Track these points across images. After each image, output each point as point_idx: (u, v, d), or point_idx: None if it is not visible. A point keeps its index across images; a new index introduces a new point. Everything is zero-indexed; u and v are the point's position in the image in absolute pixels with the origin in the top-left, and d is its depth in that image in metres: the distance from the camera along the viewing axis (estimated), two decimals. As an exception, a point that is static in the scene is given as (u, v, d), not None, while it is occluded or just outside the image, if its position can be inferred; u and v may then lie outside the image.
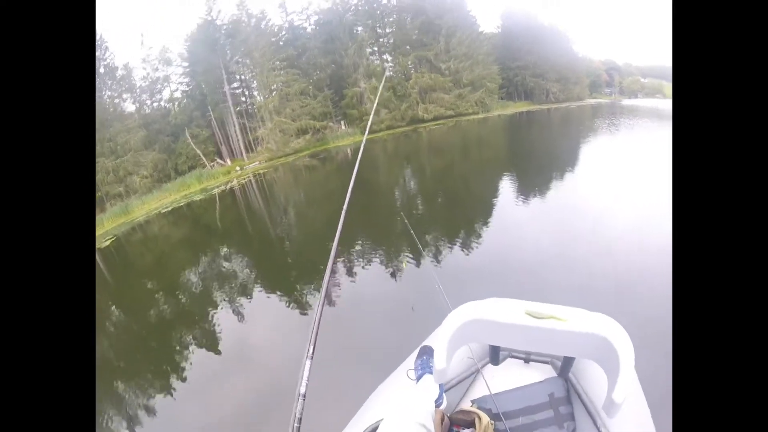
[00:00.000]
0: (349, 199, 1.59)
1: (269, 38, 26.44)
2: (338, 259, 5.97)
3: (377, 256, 5.99)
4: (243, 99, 27.71)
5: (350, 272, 5.55)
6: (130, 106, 25.10)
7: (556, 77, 35.02)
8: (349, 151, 21.96)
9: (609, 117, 22.36)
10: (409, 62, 28.34)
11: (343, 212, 1.53)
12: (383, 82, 23.11)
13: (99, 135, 21.35)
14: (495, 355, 1.50)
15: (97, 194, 20.92)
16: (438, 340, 1.12)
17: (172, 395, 3.77)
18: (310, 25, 29.09)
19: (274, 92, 25.60)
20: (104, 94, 22.94)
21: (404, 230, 6.35)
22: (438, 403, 1.35)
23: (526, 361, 1.64)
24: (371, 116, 2.84)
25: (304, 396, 1.06)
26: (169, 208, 17.13)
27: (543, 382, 1.50)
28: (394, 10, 28.83)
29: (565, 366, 1.44)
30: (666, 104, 31.65)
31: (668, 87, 47.96)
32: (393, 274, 5.23)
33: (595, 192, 7.52)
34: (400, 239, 6.38)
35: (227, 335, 4.76)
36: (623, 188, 7.32)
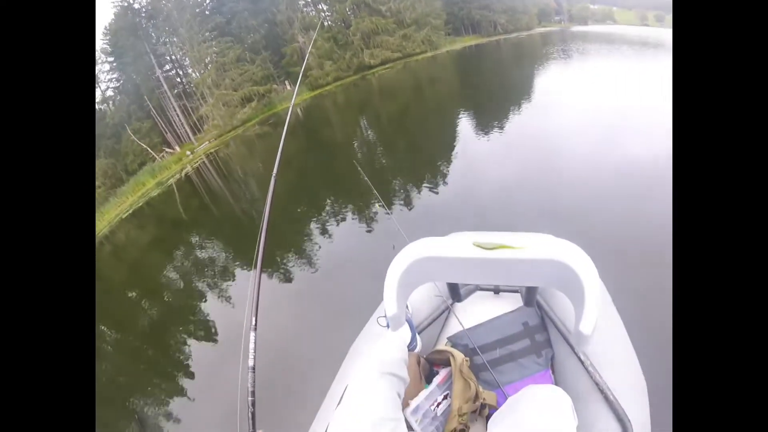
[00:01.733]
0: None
1: (193, 10, 24.57)
2: (311, 220, 5.97)
3: (347, 211, 5.98)
4: (178, 80, 26.06)
5: (324, 232, 5.55)
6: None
7: (502, 8, 34.27)
8: (299, 110, 21.07)
9: (560, 44, 22.04)
10: (347, 9, 26.91)
11: (274, 172, 1.48)
12: (317, 29, 21.82)
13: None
14: (455, 292, 1.43)
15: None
16: (385, 286, 1.04)
17: (187, 396, 3.75)
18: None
19: (209, 65, 24.12)
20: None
21: (370, 181, 6.29)
22: (412, 346, 1.31)
23: (496, 292, 1.61)
24: (303, 66, 2.68)
25: (254, 368, 1.03)
26: (130, 212, 16.42)
27: (515, 311, 1.49)
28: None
29: (529, 295, 1.36)
30: (616, 29, 31.50)
31: (618, 12, 47.88)
32: (368, 227, 5.27)
33: (553, 120, 7.50)
34: (368, 191, 6.37)
35: (220, 321, 4.75)
36: (581, 114, 7.34)
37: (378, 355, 1.04)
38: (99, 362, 5.06)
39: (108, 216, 17.64)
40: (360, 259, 4.55)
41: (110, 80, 25.19)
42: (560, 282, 0.93)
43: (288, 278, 4.77)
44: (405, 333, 1.30)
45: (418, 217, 4.97)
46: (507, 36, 32.95)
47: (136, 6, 24.25)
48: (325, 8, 28.06)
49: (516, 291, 1.59)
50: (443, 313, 1.61)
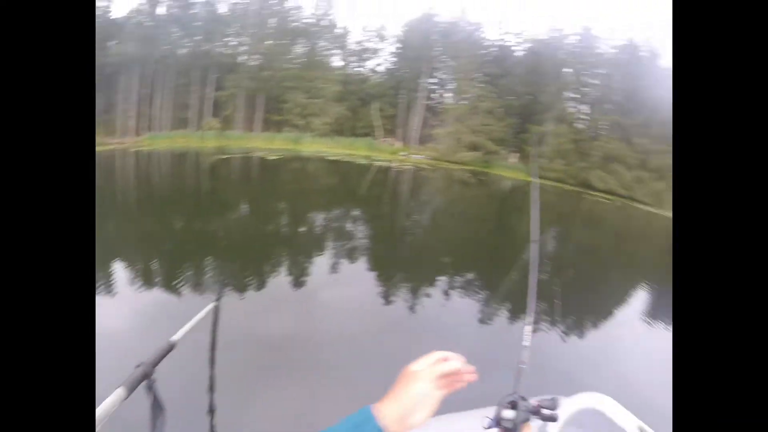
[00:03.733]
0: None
1: (479, 50, 27.39)
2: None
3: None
4: (433, 96, 29.37)
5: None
6: (337, 62, 29.76)
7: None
8: (509, 184, 21.37)
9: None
10: (604, 123, 26.27)
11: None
12: (564, 126, 20.87)
13: (309, 74, 25.89)
14: None
15: (279, 117, 25.43)
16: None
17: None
18: (521, 50, 29.06)
19: (464, 101, 26.45)
20: (318, 43, 28.55)
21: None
22: None
23: None
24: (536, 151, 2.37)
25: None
26: (334, 158, 19.59)
27: None
28: (606, 64, 26.31)
29: None
30: None
31: None
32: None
33: None
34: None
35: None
36: None
37: None
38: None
39: (316, 147, 21.97)
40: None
41: (387, 60, 30.45)
42: None
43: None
44: None
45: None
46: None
47: (437, 20, 28.43)
48: (587, 111, 27.66)
49: None
50: None
